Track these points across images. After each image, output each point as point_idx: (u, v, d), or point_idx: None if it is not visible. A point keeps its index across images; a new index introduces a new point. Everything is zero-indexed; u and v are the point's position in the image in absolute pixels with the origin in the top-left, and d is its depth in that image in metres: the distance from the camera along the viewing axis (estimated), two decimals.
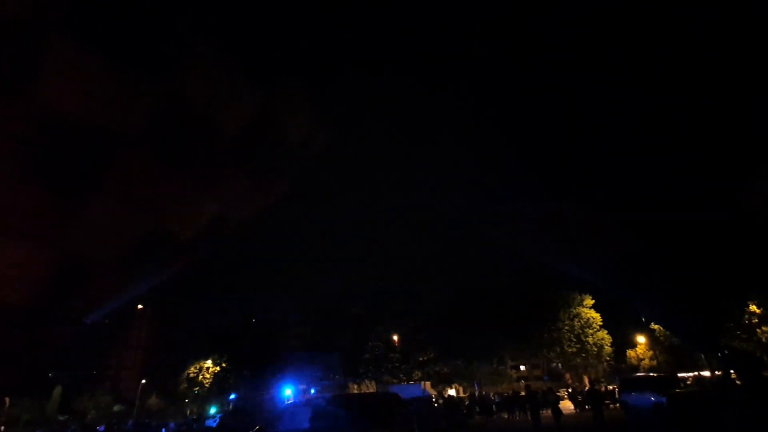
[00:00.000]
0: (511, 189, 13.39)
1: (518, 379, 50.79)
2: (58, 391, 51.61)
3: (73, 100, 9.05)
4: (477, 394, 33.80)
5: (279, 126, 13.71)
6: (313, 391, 43.32)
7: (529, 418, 18.03)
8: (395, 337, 44.15)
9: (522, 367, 55.98)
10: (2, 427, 41.57)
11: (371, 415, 9.04)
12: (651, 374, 22.90)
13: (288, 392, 36.97)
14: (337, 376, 44.58)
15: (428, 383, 38.49)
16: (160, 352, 68.73)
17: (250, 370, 48.48)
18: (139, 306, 69.99)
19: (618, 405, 22.09)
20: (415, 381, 38.80)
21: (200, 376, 50.75)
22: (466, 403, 28.03)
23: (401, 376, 40.89)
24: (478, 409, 26.37)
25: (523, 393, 26.75)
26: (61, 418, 48.96)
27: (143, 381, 54.96)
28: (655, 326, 38.20)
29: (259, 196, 16.24)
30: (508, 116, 12.85)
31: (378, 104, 18.02)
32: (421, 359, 40.15)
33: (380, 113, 18.58)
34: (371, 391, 40.75)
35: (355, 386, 43.61)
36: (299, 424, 10.21)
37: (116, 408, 53.31)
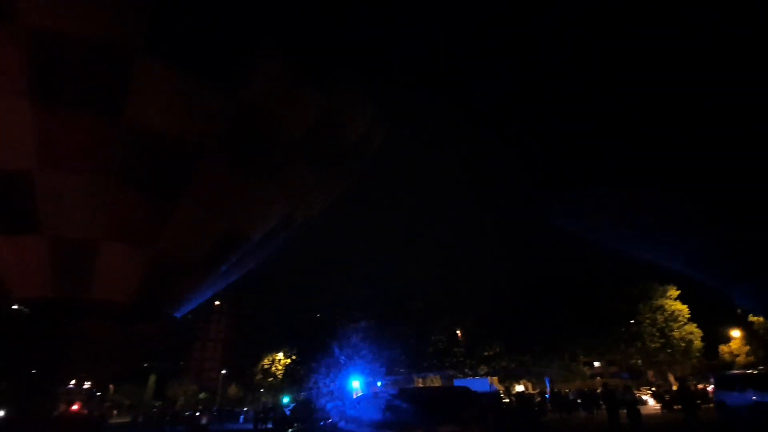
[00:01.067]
0: (581, 172, 12.57)
1: (592, 376, 47.87)
2: (152, 379, 57.59)
3: (159, 115, 10.00)
4: (549, 390, 32.40)
5: (339, 126, 14.13)
6: (379, 383, 44.13)
7: (606, 417, 16.88)
8: (458, 332, 43.60)
9: (596, 364, 52.69)
10: (115, 411, 47.19)
11: (444, 409, 9.00)
12: (752, 371, 20.45)
13: (356, 384, 37.99)
14: (401, 370, 44.98)
15: (495, 378, 37.57)
16: (237, 344, 73.84)
17: (318, 362, 50.48)
18: (216, 302, 75.65)
19: (711, 405, 20.02)
20: (480, 376, 38.08)
21: (273, 368, 53.92)
22: (537, 399, 26.98)
23: (466, 370, 40.30)
24: (550, 407, 25.28)
25: (599, 391, 25.20)
26: (156, 403, 54.58)
27: (223, 371, 59.51)
28: (754, 318, 34.07)
29: (322, 194, 16.83)
30: (570, 90, 12.03)
31: (430, 99, 17.85)
32: (486, 354, 39.24)
33: (433, 108, 18.39)
34: (436, 385, 40.68)
35: (420, 380, 43.76)
36: (371, 416, 10.40)
37: (202, 395, 58.28)
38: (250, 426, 30.18)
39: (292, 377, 51.98)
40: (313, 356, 51.06)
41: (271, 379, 53.54)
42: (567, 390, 32.81)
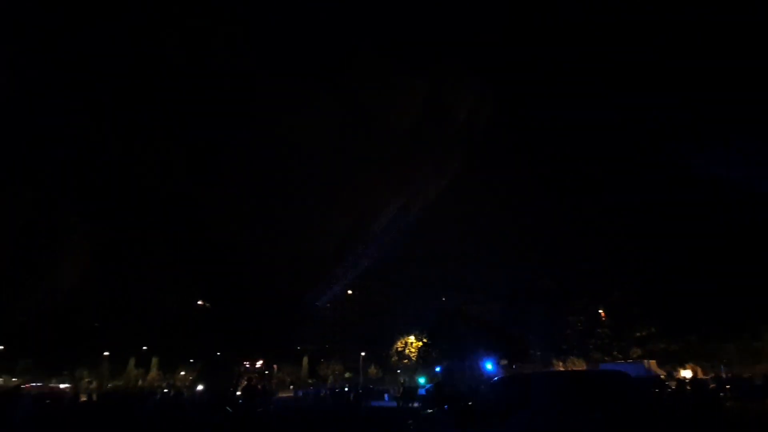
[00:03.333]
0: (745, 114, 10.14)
1: None
2: (305, 360, 65.72)
3: (280, 125, 11.26)
4: (725, 375, 27.33)
5: (446, 108, 13.98)
6: (513, 366, 42.80)
7: None
8: (601, 311, 39.57)
9: None
10: (291, 386, 55.32)
11: (598, 394, 8.27)
12: None
13: (489, 366, 37.48)
14: (538, 353, 42.84)
15: (652, 362, 33.17)
16: (371, 329, 79.42)
17: (449, 344, 51.19)
18: (349, 291, 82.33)
19: None
20: (633, 359, 33.98)
21: (406, 350, 56.66)
22: (711, 386, 22.97)
23: (614, 353, 36.40)
24: (729, 394, 21.33)
25: None
26: (310, 381, 62.24)
27: (362, 353, 64.62)
28: None
29: (436, 179, 16.94)
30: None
31: (546, 65, 16.38)
32: (639, 335, 34.76)
33: (547, 75, 16.85)
34: (578, 368, 37.64)
35: (561, 364, 41.08)
36: (510, 399, 10.09)
37: (347, 375, 64.37)
38: (394, 404, 32.12)
39: (425, 359, 53.81)
40: (443, 339, 52.02)
41: (406, 361, 56.41)
42: (750, 375, 27.23)
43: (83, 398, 35.02)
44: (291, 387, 55.44)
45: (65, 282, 29.10)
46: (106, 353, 53.68)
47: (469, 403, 14.06)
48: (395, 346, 58.39)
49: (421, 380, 45.89)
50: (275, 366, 58.36)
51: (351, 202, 12.72)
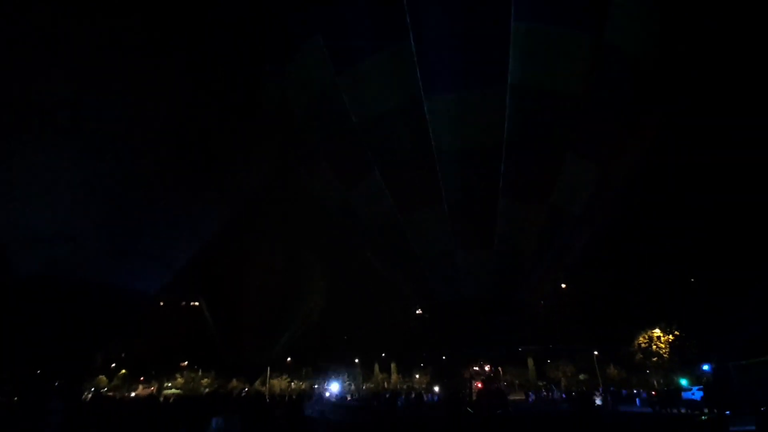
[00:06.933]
0: None
1: None
2: (531, 362, 63.21)
3: None
4: None
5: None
6: None
7: None
8: None
9: None
10: (546, 389, 54.81)
11: None
12: None
13: None
14: None
15: None
16: (599, 324, 70.24)
17: (713, 336, 40.97)
18: (563, 285, 75.32)
19: None
20: None
21: (653, 346, 47.81)
22: None
23: None
24: None
25: None
26: (541, 383, 59.23)
27: (595, 353, 57.66)
28: None
29: (633, 139, 14.08)
30: None
31: None
32: None
33: None
34: None
35: None
36: None
37: (581, 377, 58.43)
38: (648, 410, 27.48)
39: (683, 356, 44.13)
40: (705, 330, 41.90)
41: (655, 359, 47.50)
42: None
43: (348, 397, 42.71)
44: (546, 389, 54.14)
45: (319, 306, 36.84)
46: (356, 360, 65.18)
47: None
48: (636, 341, 49.85)
49: (683, 382, 38.81)
50: (500, 368, 58.12)
51: (542, 187, 11.63)
